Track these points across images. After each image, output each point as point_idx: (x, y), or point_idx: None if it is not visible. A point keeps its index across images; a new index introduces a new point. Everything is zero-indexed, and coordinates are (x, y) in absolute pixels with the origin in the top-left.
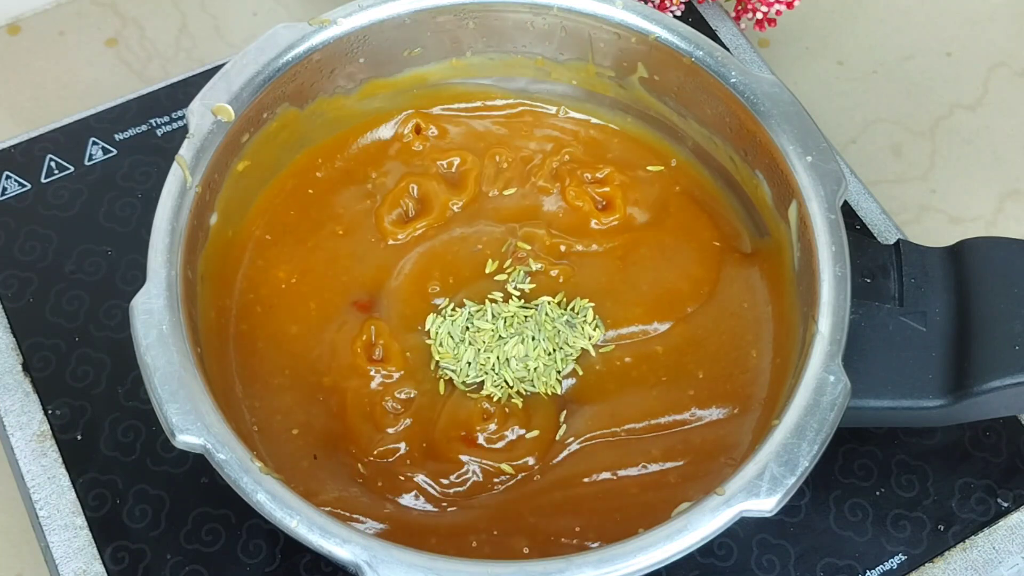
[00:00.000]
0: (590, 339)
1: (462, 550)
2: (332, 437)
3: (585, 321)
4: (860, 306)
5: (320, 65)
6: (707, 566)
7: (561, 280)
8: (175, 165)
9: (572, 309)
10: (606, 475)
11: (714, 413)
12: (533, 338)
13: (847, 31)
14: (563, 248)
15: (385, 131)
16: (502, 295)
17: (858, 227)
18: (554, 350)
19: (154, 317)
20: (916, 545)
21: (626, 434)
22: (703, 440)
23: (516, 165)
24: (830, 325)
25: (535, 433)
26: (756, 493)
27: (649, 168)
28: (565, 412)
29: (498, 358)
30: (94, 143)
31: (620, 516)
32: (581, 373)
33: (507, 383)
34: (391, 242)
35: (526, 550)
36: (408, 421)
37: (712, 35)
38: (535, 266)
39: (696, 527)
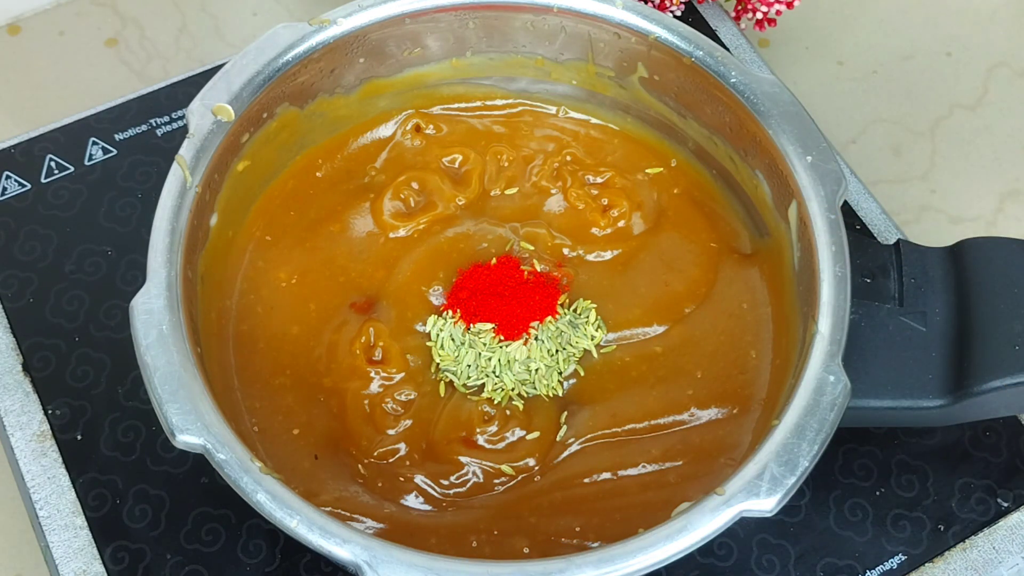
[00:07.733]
0: (592, 339)
1: (462, 550)
2: (333, 437)
3: (588, 322)
4: (860, 306)
5: (320, 65)
6: (707, 566)
7: (564, 282)
8: (175, 165)
9: (575, 310)
10: (606, 475)
11: (713, 413)
12: (537, 338)
13: (847, 31)
14: (565, 251)
15: (385, 131)
16: None
17: (858, 227)
18: (557, 351)
19: (154, 317)
20: (916, 545)
21: (626, 434)
22: (703, 440)
23: (517, 164)
24: (830, 325)
25: (536, 434)
26: (756, 493)
27: (648, 171)
28: (566, 413)
29: (499, 361)
30: (94, 143)
31: (620, 516)
32: (583, 374)
33: (507, 386)
34: (392, 235)
35: (526, 550)
36: (408, 422)
37: (712, 35)
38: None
39: (696, 527)
